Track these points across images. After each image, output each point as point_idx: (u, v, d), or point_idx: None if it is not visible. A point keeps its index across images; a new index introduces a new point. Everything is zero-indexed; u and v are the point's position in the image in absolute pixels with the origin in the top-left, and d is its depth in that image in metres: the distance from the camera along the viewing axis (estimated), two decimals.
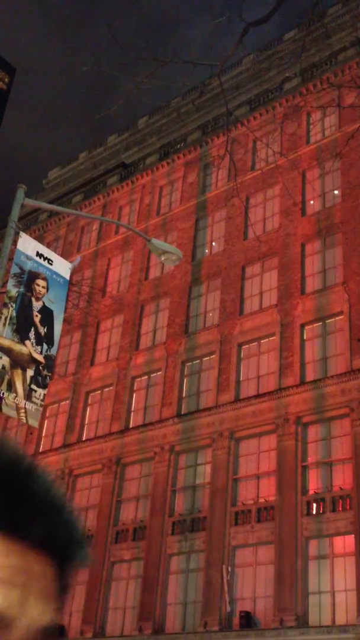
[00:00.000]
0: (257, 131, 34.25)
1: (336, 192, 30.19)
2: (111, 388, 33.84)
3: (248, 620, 23.50)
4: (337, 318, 27.04)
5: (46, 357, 9.09)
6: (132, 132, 51.10)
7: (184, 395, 30.67)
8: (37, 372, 8.87)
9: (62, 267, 9.99)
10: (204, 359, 30.69)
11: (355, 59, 31.97)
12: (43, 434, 35.96)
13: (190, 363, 31.21)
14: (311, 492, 24.47)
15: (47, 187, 56.00)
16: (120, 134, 52.12)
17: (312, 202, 30.98)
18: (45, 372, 8.99)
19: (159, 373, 32.12)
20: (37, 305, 9.23)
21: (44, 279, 9.46)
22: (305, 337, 27.64)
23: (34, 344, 8.97)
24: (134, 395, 32.76)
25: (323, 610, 22.46)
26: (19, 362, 8.69)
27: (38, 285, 9.34)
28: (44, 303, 9.34)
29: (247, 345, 29.43)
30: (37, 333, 9.03)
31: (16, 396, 8.54)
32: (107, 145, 52.77)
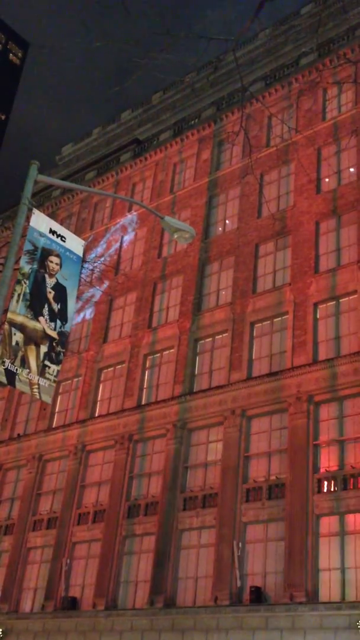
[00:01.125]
0: (272, 107, 33.87)
1: (352, 169, 29.86)
2: (124, 365, 33.99)
3: (258, 596, 23.76)
4: (350, 297, 26.90)
5: (60, 334, 9.13)
6: (145, 107, 50.69)
7: (196, 373, 30.76)
8: (51, 349, 8.92)
9: (75, 244, 9.99)
10: (217, 337, 30.71)
11: None
12: (56, 410, 36.27)
13: (202, 341, 31.25)
14: (322, 470, 24.56)
15: (61, 163, 55.82)
16: (134, 110, 51.72)
17: (327, 179, 30.68)
18: (59, 349, 9.04)
19: (171, 351, 32.20)
20: (50, 281, 9.25)
21: (57, 255, 9.47)
22: (318, 316, 27.55)
23: (48, 321, 9.01)
24: (147, 372, 32.90)
25: (333, 587, 22.65)
26: (32, 338, 8.74)
27: (52, 262, 9.36)
28: (57, 280, 9.37)
29: (259, 324, 29.40)
30: (50, 309, 9.07)
31: (29, 372, 8.60)
32: (120, 121, 52.42)
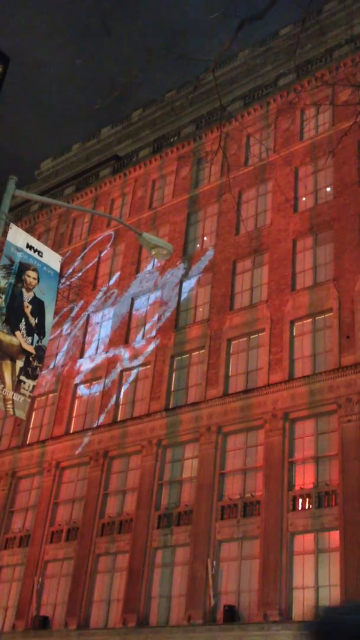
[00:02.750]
0: (250, 127, 34.24)
1: (328, 189, 30.22)
2: (100, 381, 33.82)
3: (232, 614, 23.61)
4: (326, 315, 27.12)
5: (37, 348, 9.07)
6: (125, 124, 50.89)
7: (172, 389, 30.70)
8: (27, 363, 8.85)
9: (52, 259, 9.96)
10: (194, 353, 30.72)
11: (349, 57, 31.96)
12: (30, 426, 35.91)
13: (179, 357, 31.24)
14: (297, 487, 24.58)
15: (39, 178, 55.74)
16: (113, 126, 51.90)
17: (304, 198, 31.01)
18: (35, 363, 8.98)
19: (148, 367, 32.13)
20: (27, 296, 9.20)
21: (35, 270, 9.44)
22: (294, 333, 27.71)
23: (25, 335, 8.95)
24: (123, 388, 32.75)
25: (307, 605, 22.58)
26: (8, 353, 8.67)
27: (29, 276, 9.32)
28: (34, 294, 9.32)
29: (236, 341, 29.47)
30: (27, 324, 9.02)
31: (4, 387, 8.52)
32: (100, 137, 52.56)
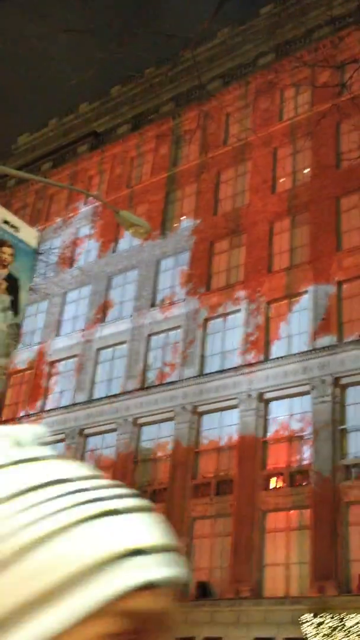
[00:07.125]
0: (230, 106, 34.05)
1: (306, 171, 30.25)
2: (76, 359, 33.76)
3: (204, 590, 23.96)
4: (302, 297, 27.29)
5: (10, 326, 9.03)
6: (104, 100, 50.23)
7: (148, 368, 30.76)
8: (0, 341, 8.81)
9: (29, 235, 9.87)
10: (170, 332, 30.77)
11: (329, 38, 31.82)
12: (6, 403, 35.79)
13: (156, 336, 31.27)
14: (270, 466, 24.89)
15: (16, 152, 54.93)
16: (91, 102, 51.20)
17: (282, 180, 31.01)
18: (8, 341, 8.94)
19: (124, 345, 32.13)
20: (2, 273, 9.13)
21: (10, 246, 9.35)
22: (270, 315, 27.87)
23: None
24: (99, 367, 32.74)
25: (277, 582, 23.00)
26: None
27: (4, 253, 9.23)
28: (9, 271, 9.25)
29: (212, 321, 29.57)
30: (1, 301, 8.96)
31: None
32: (78, 113, 51.84)
